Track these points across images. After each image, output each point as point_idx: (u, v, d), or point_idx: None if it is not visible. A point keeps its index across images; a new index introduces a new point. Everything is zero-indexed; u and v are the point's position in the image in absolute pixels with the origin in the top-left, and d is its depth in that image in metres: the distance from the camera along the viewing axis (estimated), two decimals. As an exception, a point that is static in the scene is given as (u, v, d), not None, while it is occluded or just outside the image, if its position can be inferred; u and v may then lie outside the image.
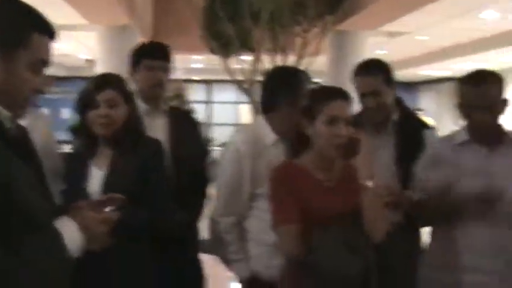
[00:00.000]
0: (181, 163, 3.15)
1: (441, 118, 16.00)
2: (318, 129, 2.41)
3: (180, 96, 8.90)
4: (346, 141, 2.39)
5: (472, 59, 13.85)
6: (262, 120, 2.96)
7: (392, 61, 13.77)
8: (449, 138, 2.84)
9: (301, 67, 8.19)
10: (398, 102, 3.23)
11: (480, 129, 2.67)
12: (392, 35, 12.09)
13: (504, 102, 2.62)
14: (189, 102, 10.21)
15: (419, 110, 20.46)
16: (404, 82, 20.40)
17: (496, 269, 2.62)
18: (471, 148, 2.70)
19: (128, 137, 2.67)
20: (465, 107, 2.65)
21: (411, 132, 3.11)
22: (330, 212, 2.36)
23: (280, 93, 2.89)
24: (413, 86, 22.07)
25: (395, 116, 3.17)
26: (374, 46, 11.85)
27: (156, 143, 2.77)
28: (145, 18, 11.86)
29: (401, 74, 17.51)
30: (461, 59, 14.03)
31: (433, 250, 2.83)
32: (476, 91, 2.59)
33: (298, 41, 10.61)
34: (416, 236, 3.20)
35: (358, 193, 2.39)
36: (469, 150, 2.70)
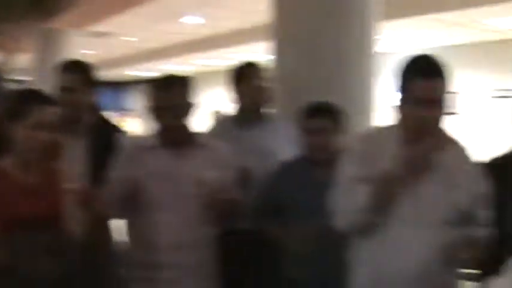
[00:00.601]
0: None
1: (149, 119, 16.42)
2: (22, 132, 2.36)
3: None
4: (49, 145, 2.40)
5: (175, 61, 14.56)
6: None
7: (101, 61, 13.75)
8: (141, 141, 2.92)
9: (7, 65, 7.94)
10: (95, 104, 3.31)
11: (169, 132, 2.74)
12: (100, 35, 12.21)
13: (190, 105, 2.73)
14: None
15: (128, 110, 20.81)
16: (113, 82, 20.55)
17: (187, 264, 2.72)
18: (160, 151, 2.74)
19: None
20: (155, 110, 2.73)
21: (104, 134, 3.18)
22: (32, 216, 2.32)
23: None
24: (122, 86, 22.28)
25: (90, 118, 3.25)
26: (82, 45, 11.86)
27: None
28: None
29: (109, 74, 17.73)
30: (166, 61, 14.66)
31: (130, 248, 2.85)
32: (164, 94, 2.70)
33: (4, 38, 10.24)
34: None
35: (61, 195, 2.41)
36: (159, 154, 2.73)
